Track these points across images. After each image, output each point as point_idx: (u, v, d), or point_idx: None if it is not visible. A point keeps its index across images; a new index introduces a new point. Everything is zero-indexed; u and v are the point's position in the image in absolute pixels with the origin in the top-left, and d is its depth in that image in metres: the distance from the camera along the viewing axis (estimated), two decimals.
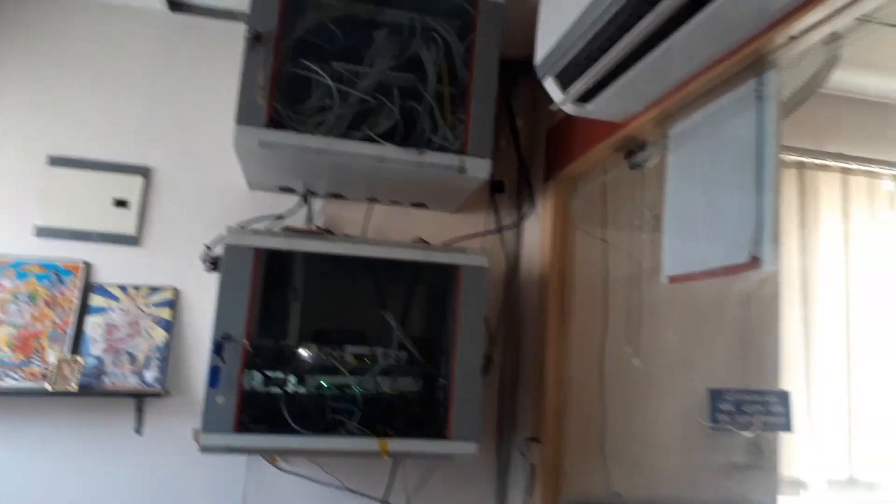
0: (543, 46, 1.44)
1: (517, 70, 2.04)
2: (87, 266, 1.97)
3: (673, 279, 1.39)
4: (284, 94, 1.68)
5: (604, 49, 1.28)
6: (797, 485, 2.14)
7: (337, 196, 2.09)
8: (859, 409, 2.15)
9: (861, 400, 2.15)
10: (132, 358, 1.95)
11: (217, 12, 2.11)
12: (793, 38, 1.04)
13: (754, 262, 1.12)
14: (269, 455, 1.96)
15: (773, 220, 1.10)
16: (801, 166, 2.12)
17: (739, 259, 1.15)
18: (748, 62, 1.13)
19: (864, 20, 1.20)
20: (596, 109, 1.43)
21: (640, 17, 1.17)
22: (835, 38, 1.20)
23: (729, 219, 1.21)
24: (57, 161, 1.99)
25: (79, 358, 1.85)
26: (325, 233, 1.96)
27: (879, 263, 2.15)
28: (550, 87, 1.45)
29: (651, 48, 1.22)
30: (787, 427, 2.02)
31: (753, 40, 1.07)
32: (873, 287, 2.16)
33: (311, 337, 1.81)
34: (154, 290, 2.00)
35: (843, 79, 1.86)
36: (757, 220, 1.12)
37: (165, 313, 1.99)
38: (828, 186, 2.13)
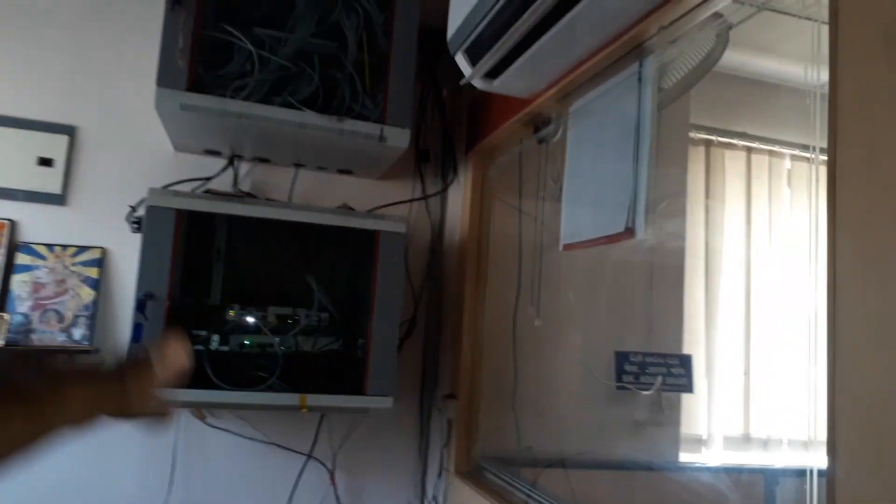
0: (454, 22, 1.50)
1: (443, 41, 2.09)
2: (13, 224, 1.98)
3: (566, 247, 1.49)
4: (206, 57, 1.71)
5: (506, 27, 1.35)
6: (698, 442, 2.31)
7: (263, 160, 2.13)
8: (755, 372, 2.32)
9: (757, 363, 2.32)
10: (59, 316, 1.98)
11: None
12: (663, 28, 1.13)
13: (629, 232, 1.22)
14: (196, 410, 2.03)
15: (646, 193, 1.20)
16: (708, 144, 2.24)
17: (618, 229, 1.26)
18: (630, 47, 1.22)
19: (754, 7, 1.30)
20: (502, 85, 1.50)
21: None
22: (718, 17, 1.29)
23: (612, 192, 1.31)
24: None
25: (5, 315, 1.88)
26: (248, 196, 2.01)
27: (777, 236, 2.31)
28: (461, 61, 1.52)
29: (547, 28, 1.29)
30: (688, 388, 2.17)
31: (631, 28, 1.16)
32: (771, 259, 2.32)
33: (235, 297, 1.87)
34: (81, 249, 2.02)
35: (747, 61, 1.97)
36: (633, 193, 1.22)
37: (93, 272, 2.02)
38: (733, 164, 2.26)
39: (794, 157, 2.30)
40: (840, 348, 0.73)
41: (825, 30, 0.85)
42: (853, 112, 0.72)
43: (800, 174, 2.31)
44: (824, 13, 0.93)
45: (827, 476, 0.74)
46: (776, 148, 2.26)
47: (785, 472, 2.29)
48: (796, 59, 1.95)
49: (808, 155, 2.29)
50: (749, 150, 2.26)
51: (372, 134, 1.77)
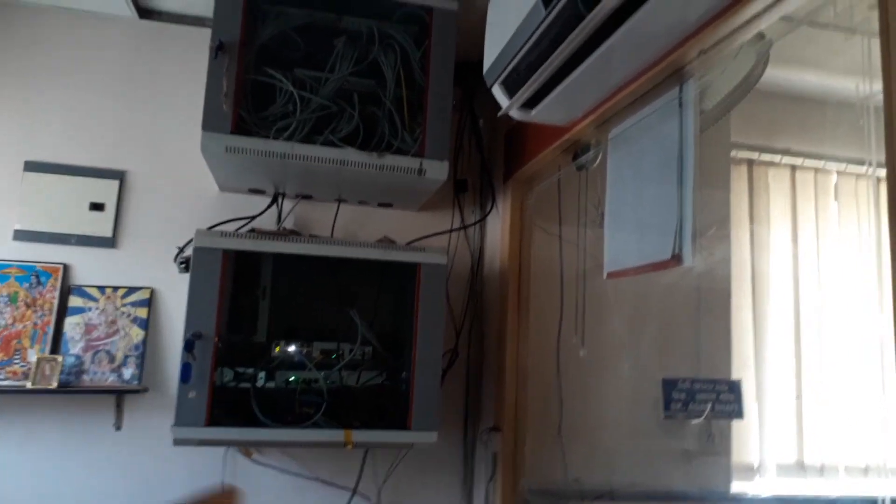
0: (490, 56, 1.52)
1: (479, 73, 2.12)
2: (66, 268, 2.04)
3: (610, 275, 1.47)
4: (249, 100, 1.76)
5: (542, 59, 1.36)
6: (750, 470, 2.23)
7: (306, 197, 2.16)
8: (808, 396, 2.23)
9: (809, 387, 2.24)
10: (110, 356, 2.02)
11: (184, 18, 2.18)
12: (703, 52, 1.12)
13: (675, 259, 1.20)
14: (243, 447, 2.05)
15: (692, 219, 1.18)
16: (750, 163, 2.20)
17: (664, 256, 1.24)
18: (669, 72, 1.22)
19: (791, 22, 1.28)
20: (539, 115, 1.51)
21: (570, 30, 1.25)
22: (761, 38, 1.28)
23: (656, 218, 1.29)
24: (33, 166, 2.06)
25: (58, 357, 1.93)
26: (292, 234, 2.04)
27: (826, 254, 2.24)
28: (497, 93, 1.53)
29: (583, 58, 1.30)
30: (738, 415, 2.10)
31: (670, 53, 1.15)
32: (821, 277, 2.25)
33: (281, 334, 1.89)
34: (131, 290, 2.07)
35: (788, 77, 1.94)
36: (679, 219, 1.21)
37: (142, 312, 2.07)
38: (777, 181, 2.21)
39: (840, 172, 2.24)
40: None
41: (872, 42, 0.84)
42: None
43: (847, 189, 2.25)
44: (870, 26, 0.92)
45: None
46: (822, 164, 2.21)
47: (842, 502, 2.20)
48: (839, 72, 1.91)
49: (856, 169, 2.24)
50: (793, 167, 2.22)
51: (411, 168, 1.79)
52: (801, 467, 2.20)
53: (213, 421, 1.68)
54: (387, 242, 2.00)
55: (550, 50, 1.31)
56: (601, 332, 1.93)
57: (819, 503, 2.13)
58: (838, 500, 2.13)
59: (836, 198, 2.23)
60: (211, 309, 1.71)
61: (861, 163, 2.25)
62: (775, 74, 1.66)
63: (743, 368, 2.14)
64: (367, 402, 1.87)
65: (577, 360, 1.93)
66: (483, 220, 2.31)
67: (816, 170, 2.25)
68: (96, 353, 2.01)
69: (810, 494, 2.19)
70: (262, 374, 1.84)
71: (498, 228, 2.17)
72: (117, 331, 2.04)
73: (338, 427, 1.74)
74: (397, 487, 2.14)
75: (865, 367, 2.25)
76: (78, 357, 1.99)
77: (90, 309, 2.04)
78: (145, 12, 2.16)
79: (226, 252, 1.75)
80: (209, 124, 1.71)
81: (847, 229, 2.28)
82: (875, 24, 1.04)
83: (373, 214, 2.25)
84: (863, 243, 2.25)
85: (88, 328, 2.02)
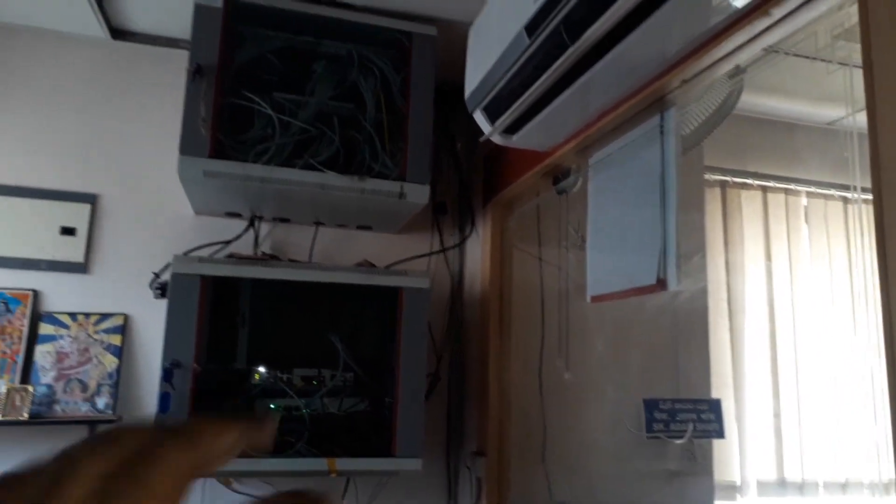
0: (471, 82, 1.52)
1: (457, 95, 2.13)
2: (36, 294, 1.99)
3: (594, 299, 1.48)
4: (227, 124, 1.74)
5: (525, 86, 1.37)
6: (731, 488, 2.25)
7: (283, 220, 2.14)
8: (786, 413, 2.27)
9: (787, 404, 2.27)
10: (83, 385, 1.97)
11: (159, 40, 2.16)
12: (685, 82, 1.14)
13: (661, 283, 1.21)
14: (223, 478, 2.00)
15: (676, 245, 1.19)
16: (724, 185, 2.25)
17: (649, 281, 1.25)
18: (651, 101, 1.24)
19: (770, 51, 1.31)
20: (521, 140, 1.52)
21: (554, 59, 1.27)
22: (738, 70, 1.31)
23: (640, 242, 1.30)
24: (1, 189, 2.00)
25: (29, 387, 1.87)
26: (271, 258, 2.01)
27: (798, 273, 2.29)
28: (479, 119, 1.54)
29: (566, 87, 1.31)
30: (719, 434, 2.12)
31: (653, 82, 1.17)
32: (796, 296, 2.30)
33: (260, 361, 1.86)
34: (104, 316, 2.02)
35: (759, 103, 1.99)
36: (662, 245, 1.22)
37: (116, 339, 2.02)
38: (749, 203, 2.26)
39: (809, 194, 2.31)
40: None
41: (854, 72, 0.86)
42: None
43: (816, 210, 2.31)
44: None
45: None
46: (790, 186, 2.27)
47: None
48: (810, 98, 1.98)
49: (823, 191, 2.29)
50: (765, 188, 2.27)
51: (392, 192, 1.79)
52: (782, 484, 2.23)
53: None
54: (367, 266, 1.99)
55: (533, 78, 1.32)
56: (583, 354, 1.93)
57: None
58: None
59: (806, 220, 2.29)
60: (189, 336, 1.68)
61: (829, 186, 2.33)
62: (746, 100, 1.70)
63: (722, 388, 2.17)
64: (350, 429, 1.84)
65: (559, 382, 1.93)
66: (463, 242, 2.31)
67: (787, 191, 2.31)
68: (68, 382, 1.96)
69: None
70: (241, 402, 1.80)
71: (477, 251, 2.17)
72: (90, 359, 1.99)
73: (320, 455, 1.71)
74: None
75: (841, 384, 2.29)
76: (49, 386, 1.93)
77: (62, 336, 1.98)
78: (118, 33, 2.13)
79: (204, 278, 1.72)
80: (187, 148, 1.68)
81: (817, 249, 2.33)
82: (848, 55, 1.07)
83: (351, 237, 2.24)
84: (833, 263, 2.31)
85: (60, 356, 1.97)
